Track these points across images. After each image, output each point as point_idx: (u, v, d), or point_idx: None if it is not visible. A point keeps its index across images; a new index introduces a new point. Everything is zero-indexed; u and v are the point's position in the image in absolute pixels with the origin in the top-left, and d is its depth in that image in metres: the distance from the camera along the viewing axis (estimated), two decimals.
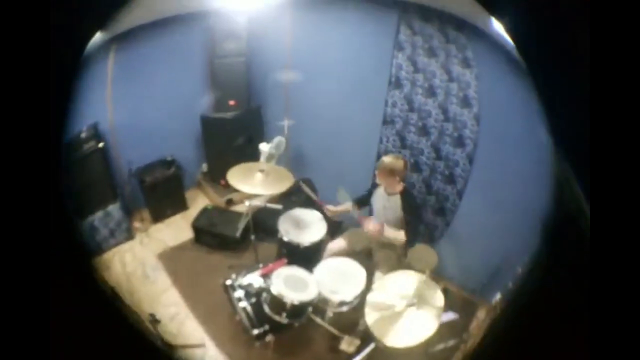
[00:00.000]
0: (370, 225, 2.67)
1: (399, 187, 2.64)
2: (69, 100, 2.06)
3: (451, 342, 2.60)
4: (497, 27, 2.23)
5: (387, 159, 2.58)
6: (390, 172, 2.55)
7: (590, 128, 1.35)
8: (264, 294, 2.54)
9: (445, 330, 2.31)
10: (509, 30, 2.08)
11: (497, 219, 2.79)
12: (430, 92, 2.88)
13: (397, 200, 2.64)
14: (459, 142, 2.84)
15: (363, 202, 2.88)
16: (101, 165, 3.04)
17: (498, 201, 2.77)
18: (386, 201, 2.69)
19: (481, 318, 2.90)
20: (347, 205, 2.82)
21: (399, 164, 2.55)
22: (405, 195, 2.68)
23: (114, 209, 3.11)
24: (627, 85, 1.32)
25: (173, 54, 3.25)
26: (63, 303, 1.40)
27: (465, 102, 2.74)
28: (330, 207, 2.84)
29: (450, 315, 2.55)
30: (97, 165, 3.02)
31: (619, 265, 1.25)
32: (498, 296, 2.71)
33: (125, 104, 3.08)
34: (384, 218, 2.73)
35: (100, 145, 2.98)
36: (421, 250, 2.88)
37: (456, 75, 2.73)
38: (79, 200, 2.82)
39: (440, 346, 2.57)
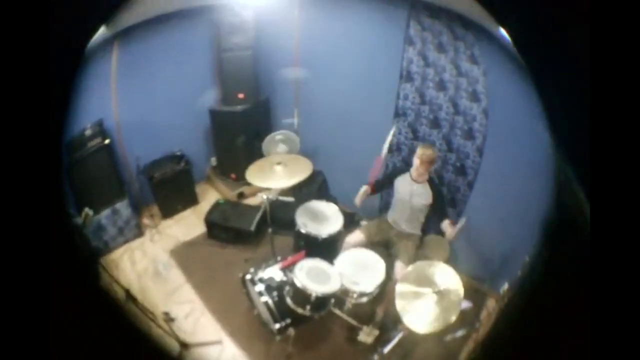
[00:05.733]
0: (450, 230, 2.57)
1: (427, 175, 2.69)
2: (70, 98, 1.98)
3: (460, 332, 2.64)
4: (499, 28, 2.29)
5: (427, 151, 2.60)
6: (431, 162, 2.61)
7: (590, 128, 1.37)
8: (287, 287, 2.50)
9: (458, 319, 2.30)
10: (510, 32, 2.13)
11: (505, 209, 2.84)
12: (441, 86, 2.92)
13: (425, 187, 2.68)
14: (469, 134, 2.90)
15: (381, 186, 2.87)
16: (107, 162, 2.97)
17: (506, 192, 2.82)
18: (414, 188, 2.71)
19: (491, 307, 2.97)
20: (363, 190, 2.77)
21: (434, 153, 2.63)
22: (433, 181, 2.73)
23: (122, 206, 3.04)
24: (626, 85, 1.34)
25: (178, 48, 3.19)
26: (63, 308, 1.35)
27: (474, 97, 2.80)
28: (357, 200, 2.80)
29: (467, 304, 2.57)
30: (103, 163, 2.94)
31: (619, 259, 1.27)
32: (506, 285, 2.78)
33: (131, 100, 3.01)
34: (410, 204, 2.75)
35: (107, 142, 2.90)
36: (435, 241, 2.94)
37: (465, 70, 2.78)
38: (85, 199, 2.75)
39: (449, 337, 2.61)
